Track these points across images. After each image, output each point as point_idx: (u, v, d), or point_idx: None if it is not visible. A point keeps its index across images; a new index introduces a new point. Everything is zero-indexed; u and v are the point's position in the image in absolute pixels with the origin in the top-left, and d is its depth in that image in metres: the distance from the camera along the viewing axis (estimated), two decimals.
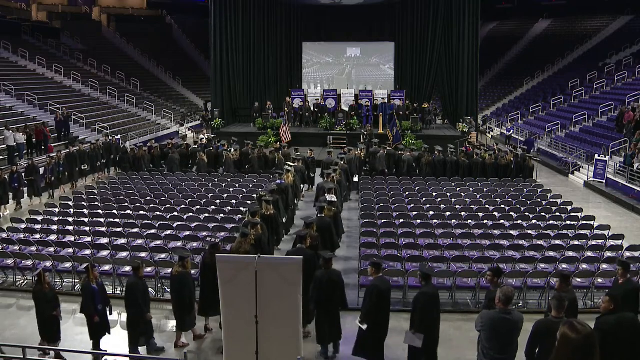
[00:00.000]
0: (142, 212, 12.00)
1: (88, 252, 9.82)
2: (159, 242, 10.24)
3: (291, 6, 26.74)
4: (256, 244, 8.17)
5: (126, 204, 12.71)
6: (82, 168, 17.20)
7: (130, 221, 11.29)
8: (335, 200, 10.78)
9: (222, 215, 11.79)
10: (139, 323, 7.10)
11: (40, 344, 7.05)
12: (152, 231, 10.83)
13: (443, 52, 24.81)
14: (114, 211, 12.10)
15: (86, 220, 11.50)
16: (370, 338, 6.70)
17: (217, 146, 18.12)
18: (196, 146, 18.63)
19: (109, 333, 7.27)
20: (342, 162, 14.94)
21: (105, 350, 7.13)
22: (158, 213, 11.92)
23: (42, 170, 15.71)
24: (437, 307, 6.48)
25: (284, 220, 11.52)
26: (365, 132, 20.38)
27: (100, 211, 12.18)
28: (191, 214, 11.83)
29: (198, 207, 12.39)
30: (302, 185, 15.10)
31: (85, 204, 12.81)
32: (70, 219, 11.64)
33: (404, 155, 16.86)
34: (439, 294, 6.59)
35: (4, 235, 10.39)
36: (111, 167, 19.00)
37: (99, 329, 7.14)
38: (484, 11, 28.42)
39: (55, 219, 11.80)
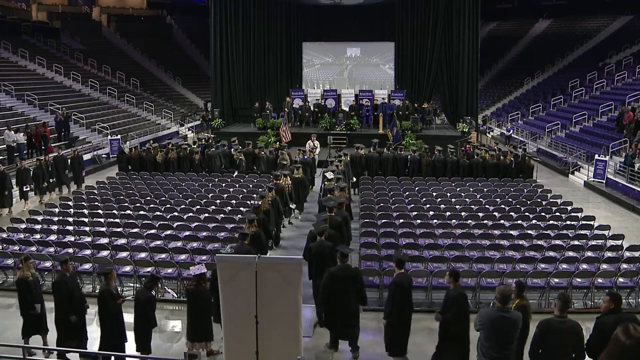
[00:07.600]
0: (142, 212, 12.00)
1: (88, 252, 9.83)
2: (159, 242, 10.25)
3: (291, 6, 26.72)
4: (273, 204, 10.74)
5: (126, 204, 12.70)
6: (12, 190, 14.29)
7: (130, 221, 11.30)
8: (333, 176, 11.89)
9: (222, 215, 11.79)
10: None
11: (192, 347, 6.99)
12: (152, 231, 10.84)
13: (443, 52, 24.77)
14: (114, 211, 12.11)
15: (86, 220, 11.51)
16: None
17: (217, 146, 18.11)
18: (194, 146, 18.61)
19: None
20: (347, 158, 15.29)
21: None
22: (158, 213, 11.93)
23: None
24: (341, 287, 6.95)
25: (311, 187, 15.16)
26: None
27: (100, 211, 12.19)
28: (191, 214, 11.84)
29: (198, 207, 12.39)
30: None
31: (85, 204, 12.81)
32: (70, 219, 11.64)
33: (402, 155, 16.88)
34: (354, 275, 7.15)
35: (4, 235, 10.39)
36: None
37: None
38: (484, 11, 28.40)
39: (55, 219, 11.80)
